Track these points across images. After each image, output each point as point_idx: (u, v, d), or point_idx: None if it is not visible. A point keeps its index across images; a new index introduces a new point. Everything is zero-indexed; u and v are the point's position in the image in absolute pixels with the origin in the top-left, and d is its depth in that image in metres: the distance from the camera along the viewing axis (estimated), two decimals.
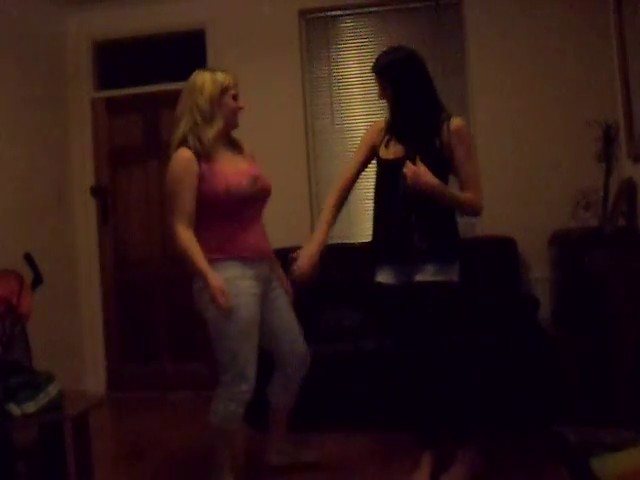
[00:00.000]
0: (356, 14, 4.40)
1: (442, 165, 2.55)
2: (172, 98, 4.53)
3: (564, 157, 4.01)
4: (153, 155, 4.65)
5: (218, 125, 2.53)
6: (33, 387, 2.29)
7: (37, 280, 3.03)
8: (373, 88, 4.29)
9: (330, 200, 2.71)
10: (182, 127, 2.53)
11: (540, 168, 4.04)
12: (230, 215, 2.50)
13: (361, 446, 3.16)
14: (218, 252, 2.49)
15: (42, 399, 2.29)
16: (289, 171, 4.28)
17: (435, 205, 2.49)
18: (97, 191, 4.66)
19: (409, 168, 2.40)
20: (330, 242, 4.28)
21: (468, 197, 2.51)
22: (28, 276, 2.96)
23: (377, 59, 2.62)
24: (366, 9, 4.37)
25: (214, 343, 2.53)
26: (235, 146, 2.69)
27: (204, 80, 2.55)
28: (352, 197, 4.38)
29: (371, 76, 4.34)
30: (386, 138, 2.64)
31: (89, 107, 4.68)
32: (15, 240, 3.80)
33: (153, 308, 4.62)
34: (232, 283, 2.46)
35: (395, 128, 2.63)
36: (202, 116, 2.51)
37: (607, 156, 3.54)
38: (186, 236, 2.43)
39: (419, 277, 2.50)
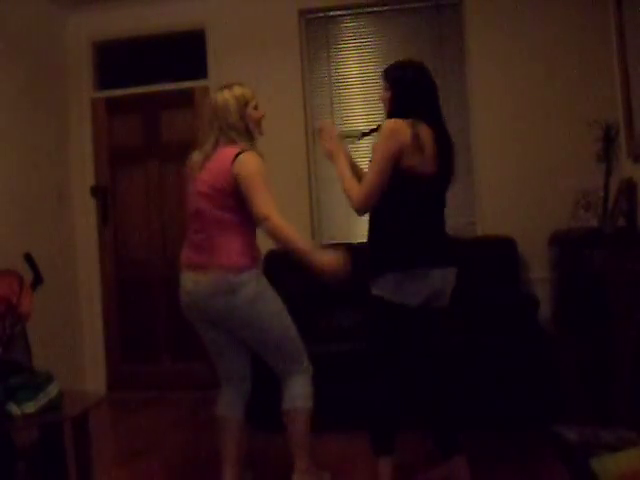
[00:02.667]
0: (356, 14, 4.40)
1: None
2: (172, 98, 4.61)
3: (564, 157, 4.01)
4: (153, 155, 4.65)
5: (254, 137, 2.59)
6: (33, 387, 2.29)
7: (37, 280, 3.03)
8: (373, 88, 4.32)
9: None
10: (225, 140, 2.54)
11: (540, 168, 4.05)
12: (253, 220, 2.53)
13: (361, 446, 3.16)
14: (252, 260, 2.51)
15: (42, 399, 2.29)
16: (289, 171, 4.29)
17: (375, 214, 2.50)
18: (97, 191, 4.66)
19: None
20: (329, 242, 4.31)
21: (351, 186, 2.50)
22: (28, 276, 2.96)
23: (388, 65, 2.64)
24: (366, 9, 4.38)
25: (280, 338, 2.54)
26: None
27: (226, 98, 2.55)
28: None
29: (371, 76, 4.39)
30: None
31: (89, 107, 4.68)
32: (15, 240, 3.80)
33: (153, 308, 4.62)
34: (267, 283, 2.54)
35: None
36: (238, 133, 2.53)
37: (607, 156, 3.54)
38: (282, 220, 2.42)
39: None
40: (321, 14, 4.42)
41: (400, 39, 4.33)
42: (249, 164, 2.48)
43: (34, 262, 3.09)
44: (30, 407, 2.26)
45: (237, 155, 2.47)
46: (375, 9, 4.37)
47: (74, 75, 4.68)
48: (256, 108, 2.62)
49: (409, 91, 2.50)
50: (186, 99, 4.57)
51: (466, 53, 4.23)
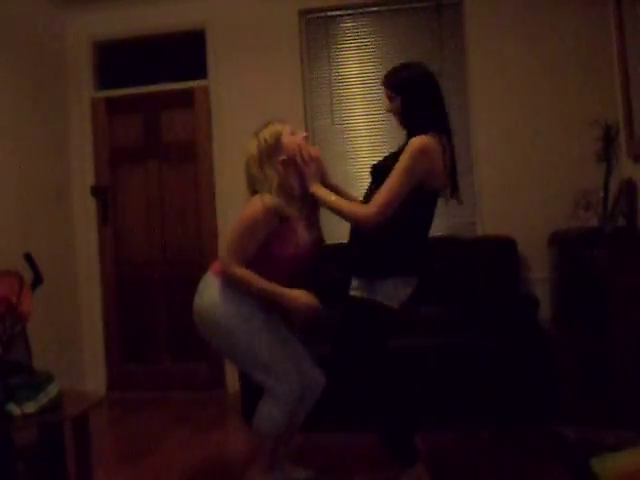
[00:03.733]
0: (356, 14, 4.40)
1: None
2: (172, 98, 4.61)
3: (564, 157, 4.01)
4: (153, 155, 4.65)
5: (274, 189, 2.47)
6: (33, 387, 2.29)
7: (37, 280, 3.03)
8: (373, 88, 4.32)
9: None
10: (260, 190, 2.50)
11: (540, 168, 4.05)
12: (278, 274, 2.51)
13: (361, 446, 3.16)
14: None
15: (42, 399, 2.29)
16: None
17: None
18: (97, 191, 4.66)
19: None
20: (329, 242, 4.30)
21: (350, 208, 2.43)
22: (28, 276, 2.95)
23: (388, 72, 2.53)
24: (366, 9, 4.38)
25: (242, 360, 2.58)
26: (309, 205, 2.61)
27: (250, 150, 2.54)
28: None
29: (371, 76, 4.38)
30: None
31: (89, 107, 4.68)
32: (15, 240, 3.80)
33: (153, 308, 4.62)
34: (237, 297, 2.52)
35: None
36: (260, 184, 2.49)
37: (607, 156, 3.54)
38: (243, 272, 2.45)
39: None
40: (321, 14, 4.42)
41: (400, 39, 4.33)
42: (248, 207, 2.48)
43: (34, 262, 3.09)
44: (30, 407, 2.26)
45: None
46: (375, 9, 4.37)
47: (74, 75, 4.68)
48: (284, 162, 2.51)
49: (420, 95, 2.43)
50: (186, 99, 4.57)
51: (466, 53, 4.23)
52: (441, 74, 4.21)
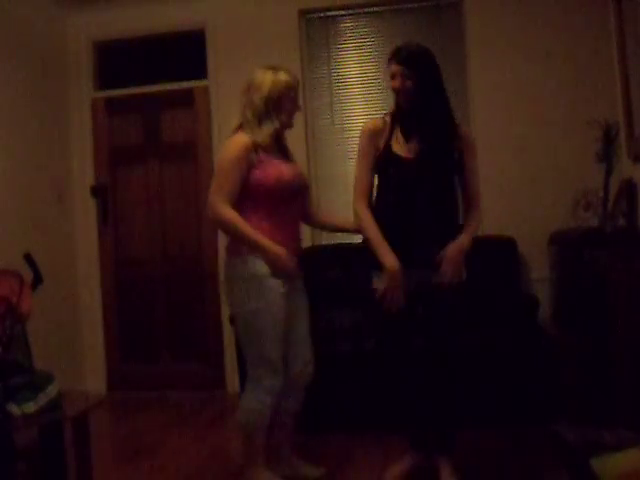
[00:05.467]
0: (356, 14, 4.40)
1: (454, 169, 2.58)
2: (172, 98, 4.61)
3: (564, 157, 4.01)
4: (153, 155, 4.65)
5: (270, 126, 2.53)
6: (33, 387, 2.29)
7: (37, 280, 3.02)
8: (373, 88, 4.33)
9: (369, 220, 2.55)
10: (239, 118, 2.59)
11: (540, 168, 4.05)
12: (269, 209, 2.50)
13: (361, 446, 3.17)
14: (241, 247, 2.50)
15: (42, 399, 2.29)
16: None
17: (446, 209, 2.53)
18: (97, 191, 4.66)
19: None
20: (329, 242, 4.31)
21: (477, 222, 2.61)
22: (28, 276, 2.95)
23: (399, 49, 2.51)
24: (366, 9, 4.38)
25: (243, 338, 2.55)
26: (282, 149, 2.69)
27: (264, 79, 2.55)
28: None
29: (371, 76, 4.39)
30: (395, 133, 2.55)
31: (89, 107, 4.68)
32: (15, 240, 3.80)
33: (153, 308, 4.62)
34: (260, 280, 2.47)
35: (408, 123, 2.54)
36: (255, 115, 2.53)
37: (607, 156, 3.54)
38: (230, 212, 2.43)
39: (437, 279, 2.48)
40: (321, 14, 4.42)
41: (400, 39, 4.29)
42: (224, 150, 2.53)
43: (34, 262, 3.08)
44: (30, 407, 2.25)
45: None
46: (375, 9, 4.37)
47: (74, 75, 4.68)
48: (294, 100, 2.59)
49: (438, 76, 2.48)
50: (186, 99, 4.57)
51: (466, 53, 4.23)
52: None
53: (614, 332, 2.76)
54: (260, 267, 2.47)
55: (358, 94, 4.38)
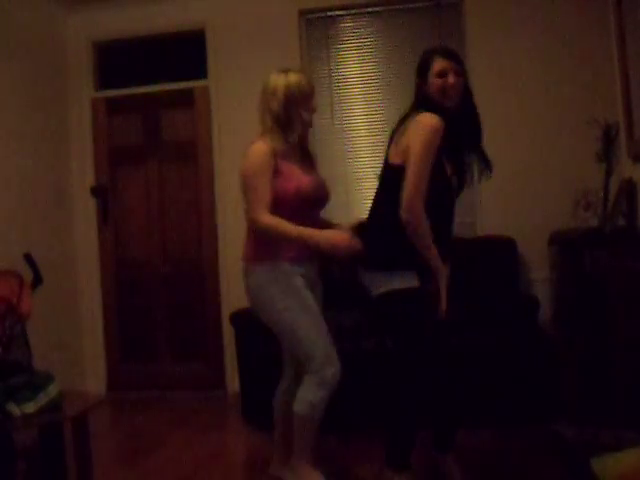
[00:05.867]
0: (356, 14, 4.40)
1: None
2: (172, 98, 4.61)
3: (564, 157, 4.01)
4: (153, 155, 4.65)
5: (293, 130, 2.52)
6: (33, 387, 2.29)
7: (37, 280, 3.03)
8: (373, 88, 4.33)
9: (426, 224, 2.34)
10: (262, 126, 2.55)
11: (540, 168, 4.05)
12: (289, 216, 2.46)
13: (361, 446, 3.17)
14: (268, 252, 2.50)
15: (42, 399, 2.29)
16: None
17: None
18: (97, 191, 4.66)
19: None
20: None
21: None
22: (28, 276, 2.95)
23: (441, 47, 2.50)
24: (366, 9, 4.37)
25: (289, 340, 2.52)
26: (305, 152, 2.68)
27: (277, 84, 2.53)
28: (354, 198, 4.39)
29: (371, 76, 4.39)
30: None
31: (89, 107, 4.68)
32: (15, 240, 3.80)
33: (153, 308, 4.62)
34: (288, 279, 2.48)
35: (455, 127, 2.39)
36: (275, 121, 2.51)
37: (607, 156, 3.54)
38: (270, 218, 2.41)
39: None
40: (321, 14, 4.42)
41: (400, 39, 4.33)
42: (246, 160, 2.50)
43: (34, 262, 3.09)
44: (30, 407, 2.26)
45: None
46: (375, 9, 4.37)
47: (74, 75, 4.68)
48: (310, 101, 2.54)
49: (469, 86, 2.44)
50: (186, 99, 4.57)
51: (466, 53, 4.22)
52: None
53: (614, 332, 2.76)
54: (284, 267, 2.48)
55: (358, 94, 4.38)
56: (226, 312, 4.25)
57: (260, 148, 2.47)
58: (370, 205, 2.56)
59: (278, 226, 2.41)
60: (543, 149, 4.06)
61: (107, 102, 4.69)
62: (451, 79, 2.34)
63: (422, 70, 2.43)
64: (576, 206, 3.75)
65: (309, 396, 2.48)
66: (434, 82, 2.37)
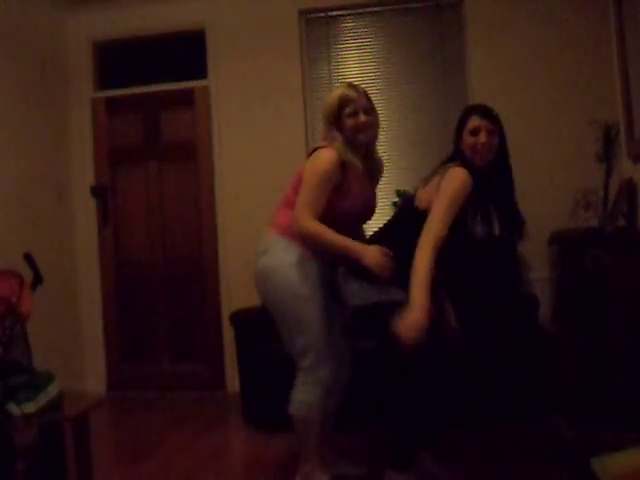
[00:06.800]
0: (356, 14, 4.40)
1: None
2: (172, 98, 4.61)
3: (564, 157, 4.01)
4: (153, 155, 4.65)
5: (338, 142, 2.50)
6: (33, 387, 2.29)
7: (37, 280, 3.03)
8: (373, 88, 4.32)
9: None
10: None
11: (540, 168, 4.05)
12: (333, 226, 2.44)
13: (361, 446, 3.17)
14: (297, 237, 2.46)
15: (42, 399, 2.29)
16: (289, 171, 4.26)
17: None
18: (97, 191, 4.66)
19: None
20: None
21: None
22: (28, 276, 2.95)
23: (477, 105, 2.54)
24: (366, 9, 4.38)
25: (288, 327, 2.48)
26: (371, 160, 2.65)
27: (327, 98, 2.60)
28: None
29: (371, 76, 4.38)
30: None
31: (89, 107, 4.68)
32: (15, 240, 3.80)
33: (153, 308, 4.62)
34: (303, 266, 2.45)
35: (485, 188, 2.44)
36: (326, 136, 2.55)
37: (607, 156, 3.54)
38: (315, 225, 2.39)
39: None
40: (321, 14, 4.42)
41: (400, 39, 4.33)
42: (315, 161, 2.48)
43: (34, 262, 3.09)
44: (30, 407, 2.26)
45: (315, 149, 2.53)
46: (375, 9, 4.37)
47: (74, 75, 4.68)
48: (353, 114, 2.51)
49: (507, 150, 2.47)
50: (186, 99, 4.57)
51: (466, 53, 4.23)
52: (441, 74, 4.24)
53: (614, 332, 2.76)
54: (302, 252, 2.45)
55: None
56: (226, 312, 4.25)
57: (330, 157, 2.45)
58: (381, 229, 2.57)
59: (324, 234, 2.39)
60: (543, 149, 4.06)
61: (107, 102, 4.69)
62: (483, 138, 2.38)
63: (459, 126, 2.46)
64: (576, 206, 3.75)
65: (304, 396, 2.46)
66: (467, 139, 2.41)
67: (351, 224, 2.56)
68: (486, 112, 2.43)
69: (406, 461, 2.43)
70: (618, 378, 2.72)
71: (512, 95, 4.11)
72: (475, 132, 2.39)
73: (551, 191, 4.00)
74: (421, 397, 2.40)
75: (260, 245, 2.57)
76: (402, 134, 4.28)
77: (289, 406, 2.50)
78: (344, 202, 2.48)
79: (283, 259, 2.46)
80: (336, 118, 2.52)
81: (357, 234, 2.59)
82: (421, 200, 2.43)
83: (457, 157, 2.43)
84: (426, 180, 2.47)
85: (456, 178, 2.31)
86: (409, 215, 2.47)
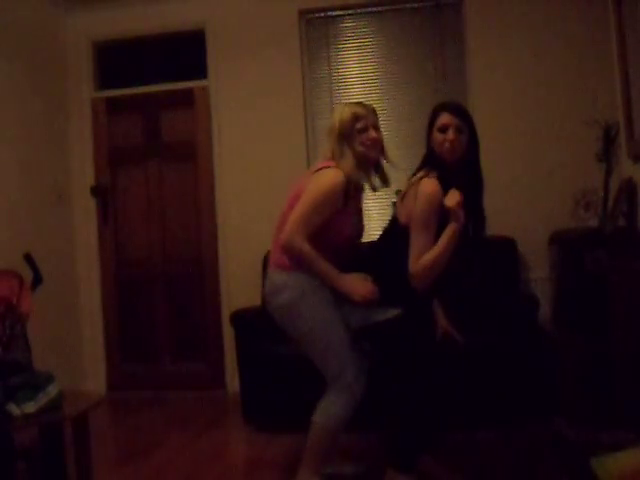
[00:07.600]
0: (356, 14, 4.40)
1: None
2: (172, 98, 4.62)
3: (564, 157, 4.01)
4: (153, 155, 4.65)
5: (349, 163, 2.47)
6: (33, 387, 2.29)
7: (37, 280, 3.03)
8: (373, 88, 4.33)
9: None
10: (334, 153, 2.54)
11: (540, 168, 4.05)
12: (322, 248, 2.44)
13: (361, 446, 3.16)
14: (298, 266, 2.47)
15: (42, 399, 2.29)
16: (289, 171, 4.28)
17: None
18: (97, 191, 4.66)
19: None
20: None
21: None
22: (28, 276, 2.95)
23: (446, 102, 2.51)
24: (366, 9, 4.37)
25: (321, 352, 2.48)
26: (381, 179, 2.65)
27: (335, 116, 2.56)
28: None
29: (371, 76, 4.39)
30: None
31: (89, 107, 4.68)
32: (15, 240, 3.80)
33: (153, 308, 4.62)
34: (322, 290, 2.46)
35: (453, 182, 2.40)
36: (335, 155, 2.50)
37: (607, 156, 3.54)
38: (307, 247, 2.40)
39: None
40: (321, 14, 4.41)
41: (400, 39, 4.33)
42: (322, 178, 2.45)
43: (34, 262, 3.09)
44: (30, 407, 2.26)
45: (319, 169, 2.50)
46: (375, 9, 4.37)
47: (74, 75, 4.68)
48: (364, 130, 2.50)
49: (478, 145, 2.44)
50: (186, 99, 4.57)
51: (466, 53, 4.23)
52: (441, 74, 4.24)
53: (614, 332, 2.76)
54: (310, 279, 2.46)
55: (358, 94, 4.37)
56: (226, 312, 4.25)
57: (336, 179, 2.42)
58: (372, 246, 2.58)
59: (312, 258, 2.39)
60: (543, 149, 4.06)
61: (107, 102, 4.69)
62: (451, 135, 2.36)
63: (429, 124, 2.45)
64: (576, 206, 3.75)
65: (337, 410, 2.46)
66: (436, 137, 2.40)
67: (343, 248, 2.56)
68: (455, 109, 2.42)
69: (409, 462, 2.44)
70: (618, 378, 2.72)
71: (512, 95, 4.11)
72: (443, 129, 2.38)
73: (551, 191, 4.00)
74: (424, 398, 2.41)
75: (270, 287, 2.55)
76: (402, 134, 4.28)
77: (315, 413, 2.50)
78: (340, 234, 2.49)
79: (299, 291, 2.47)
80: (349, 134, 2.49)
81: (348, 255, 2.59)
82: (401, 215, 2.43)
83: (429, 158, 2.44)
84: (402, 195, 2.47)
85: (424, 192, 2.32)
86: (394, 230, 2.48)
